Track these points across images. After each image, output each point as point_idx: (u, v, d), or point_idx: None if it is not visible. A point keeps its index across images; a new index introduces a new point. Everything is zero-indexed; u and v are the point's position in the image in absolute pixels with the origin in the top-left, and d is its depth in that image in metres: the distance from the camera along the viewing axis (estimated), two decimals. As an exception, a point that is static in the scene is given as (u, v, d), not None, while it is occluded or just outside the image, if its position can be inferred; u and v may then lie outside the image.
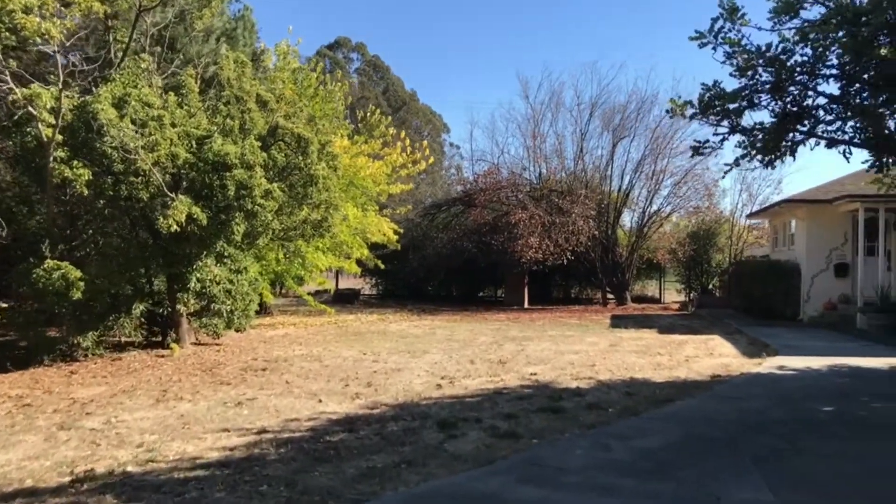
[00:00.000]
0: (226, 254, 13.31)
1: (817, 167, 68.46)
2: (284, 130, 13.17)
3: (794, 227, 21.93)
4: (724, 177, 24.29)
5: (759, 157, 7.83)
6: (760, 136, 7.53)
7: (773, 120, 7.45)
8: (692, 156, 8.21)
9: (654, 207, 28.99)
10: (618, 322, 19.93)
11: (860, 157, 8.85)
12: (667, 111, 7.84)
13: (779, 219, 23.82)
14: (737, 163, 8.10)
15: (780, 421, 7.48)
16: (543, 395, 8.92)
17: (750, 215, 28.01)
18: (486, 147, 64.08)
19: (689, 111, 7.55)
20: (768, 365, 11.49)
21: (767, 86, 7.11)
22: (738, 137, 7.70)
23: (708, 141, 7.91)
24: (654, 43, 73.82)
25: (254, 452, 6.45)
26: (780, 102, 7.39)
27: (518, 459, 6.09)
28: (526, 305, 27.06)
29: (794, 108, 7.34)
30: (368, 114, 23.10)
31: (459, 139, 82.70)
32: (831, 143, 7.56)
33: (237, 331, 14.29)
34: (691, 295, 28.64)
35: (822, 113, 7.34)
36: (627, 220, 30.93)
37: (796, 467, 5.83)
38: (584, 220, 25.53)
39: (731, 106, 7.39)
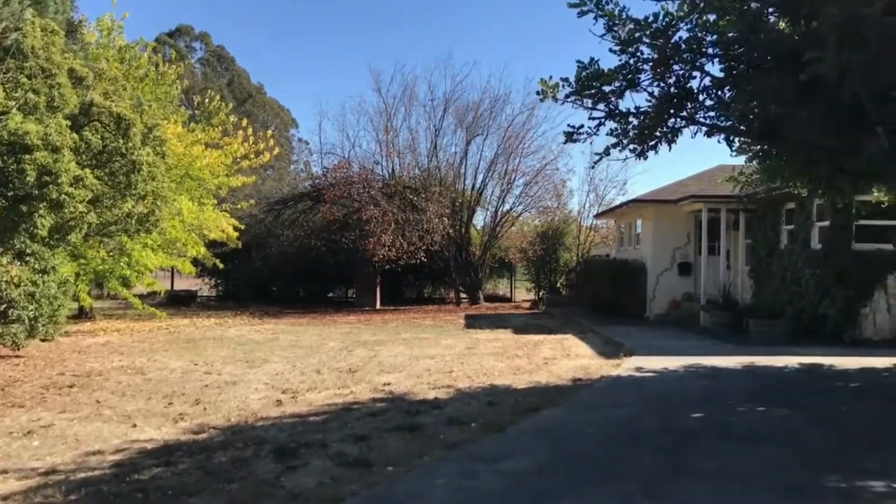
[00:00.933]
0: (28, 251, 11.36)
1: (661, 169, 72.50)
2: (101, 109, 11.44)
3: (640, 226, 22.39)
4: (593, 167, 24.56)
5: (631, 146, 7.31)
6: (635, 123, 6.99)
7: (652, 103, 6.91)
8: (565, 142, 7.56)
9: (507, 207, 29.19)
10: (472, 322, 19.41)
11: (732, 147, 8.49)
12: (537, 93, 7.13)
13: (625, 219, 24.30)
14: (607, 152, 7.53)
15: (653, 432, 6.95)
16: (399, 409, 7.97)
17: (597, 215, 28.62)
18: (337, 140, 62.09)
19: (563, 92, 6.87)
20: (627, 366, 11.20)
21: (650, 63, 6.55)
22: (611, 124, 7.13)
23: (583, 126, 7.29)
24: (507, 44, 74.83)
25: (34, 502, 5.05)
26: (662, 84, 6.87)
27: (369, 496, 5.10)
28: (378, 306, 26.13)
29: (678, 91, 6.85)
30: (207, 100, 21.22)
31: (309, 133, 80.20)
32: (712, 131, 7.16)
33: (44, 340, 12.33)
34: (541, 293, 28.91)
35: (703, 97, 6.89)
36: (481, 219, 30.91)
37: (682, 491, 5.22)
38: (439, 219, 25.00)
39: (609, 88, 6.78)
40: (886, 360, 11.70)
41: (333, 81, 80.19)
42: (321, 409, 8.09)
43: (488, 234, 29.06)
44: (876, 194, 11.39)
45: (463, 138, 28.78)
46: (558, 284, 29.19)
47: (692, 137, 7.19)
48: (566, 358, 12.18)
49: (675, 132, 7.13)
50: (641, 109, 6.99)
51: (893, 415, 8.01)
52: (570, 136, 7.40)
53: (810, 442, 6.68)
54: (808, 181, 9.05)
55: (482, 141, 28.88)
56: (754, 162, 11.50)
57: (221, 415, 7.81)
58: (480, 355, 12.39)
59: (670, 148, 7.25)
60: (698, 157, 75.44)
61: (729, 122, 7.04)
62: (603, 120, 7.15)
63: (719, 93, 6.83)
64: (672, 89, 6.88)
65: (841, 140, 5.82)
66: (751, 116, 6.65)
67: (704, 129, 7.19)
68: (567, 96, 6.95)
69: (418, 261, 24.36)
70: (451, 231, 26.49)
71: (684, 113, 7.01)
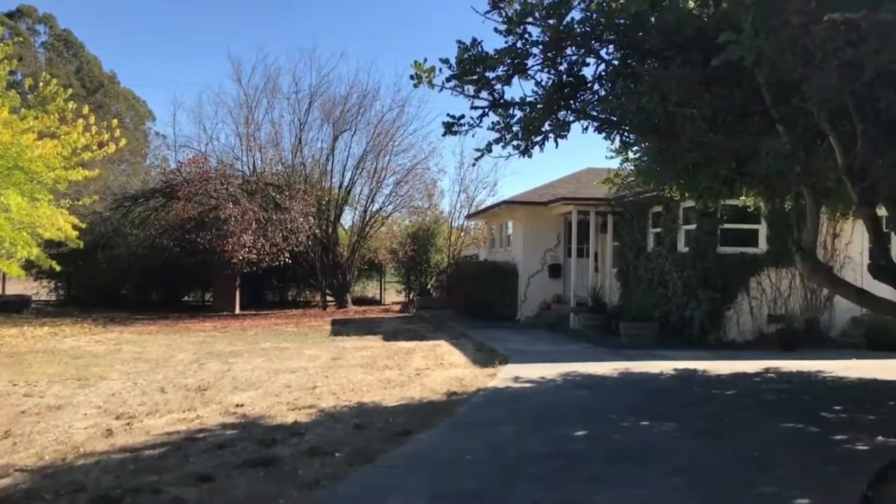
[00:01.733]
0: None
1: (531, 171, 73.54)
2: None
3: (511, 228, 22.21)
4: (475, 164, 24.00)
5: (515, 141, 6.65)
6: (519, 116, 6.34)
7: (539, 94, 6.27)
8: (444, 134, 6.77)
9: (377, 206, 28.37)
10: (339, 328, 18.40)
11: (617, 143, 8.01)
12: (411, 77, 6.32)
13: (496, 220, 24.10)
14: (489, 148, 6.84)
15: (537, 456, 6.32)
16: (252, 437, 6.94)
17: (469, 216, 28.39)
18: (193, 133, 58.59)
19: (440, 77, 6.09)
20: (503, 376, 10.65)
21: (541, 45, 5.89)
22: (494, 117, 6.44)
23: (464, 116, 6.55)
24: (376, 34, 73.23)
25: None
26: (553, 70, 6.23)
27: (208, 563, 4.13)
28: (237, 311, 24.53)
29: (571, 79, 6.24)
30: (42, 83, 18.97)
31: (164, 126, 75.30)
32: (603, 126, 6.61)
33: None
34: (412, 296, 28.34)
35: (597, 87, 6.34)
36: (349, 218, 29.90)
37: (577, 531, 4.60)
38: (304, 218, 23.79)
39: (493, 74, 6.09)
40: (755, 364, 11.80)
41: (190, 69, 75.68)
42: (160, 439, 6.93)
43: (357, 234, 28.08)
44: (743, 198, 11.43)
45: (330, 134, 27.67)
46: (429, 286, 28.75)
47: (583, 132, 6.64)
48: (440, 368, 11.50)
49: (565, 126, 6.53)
50: (528, 100, 6.33)
51: (773, 427, 7.82)
52: (450, 128, 6.63)
53: (700, 461, 6.28)
54: (684, 185, 8.81)
55: (350, 137, 27.89)
56: (627, 164, 11.30)
57: (34, 451, 6.50)
58: (347, 367, 11.48)
59: (557, 144, 6.65)
60: (568, 159, 77.60)
61: (623, 117, 6.52)
62: (486, 110, 6.44)
63: (614, 84, 6.29)
64: (564, 77, 6.27)
65: (741, 140, 5.43)
66: (643, 115, 6.14)
67: (596, 123, 6.64)
68: (448, 80, 6.18)
69: (282, 262, 23.09)
70: (317, 231, 25.34)
71: (575, 105, 6.43)
